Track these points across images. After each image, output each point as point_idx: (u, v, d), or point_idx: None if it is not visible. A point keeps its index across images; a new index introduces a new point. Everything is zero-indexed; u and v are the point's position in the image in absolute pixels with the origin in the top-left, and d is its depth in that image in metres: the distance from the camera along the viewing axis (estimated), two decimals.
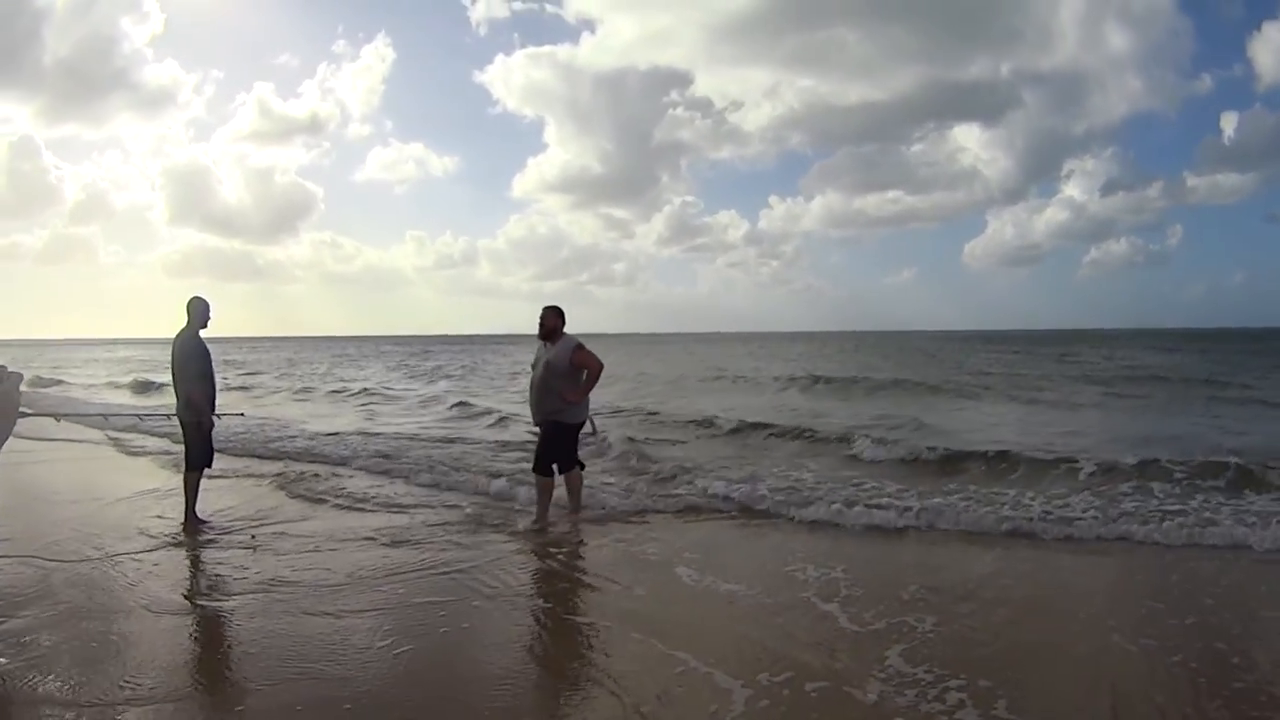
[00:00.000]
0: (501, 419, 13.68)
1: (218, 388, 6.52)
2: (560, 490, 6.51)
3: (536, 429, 6.70)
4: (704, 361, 37.37)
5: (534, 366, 6.62)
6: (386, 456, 9.52)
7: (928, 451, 8.80)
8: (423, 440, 11.09)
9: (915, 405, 15.78)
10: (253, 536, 5.93)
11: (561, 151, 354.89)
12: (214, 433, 6.46)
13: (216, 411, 6.47)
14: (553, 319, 6.49)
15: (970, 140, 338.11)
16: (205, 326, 6.46)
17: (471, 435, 11.86)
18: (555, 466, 6.44)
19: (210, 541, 5.84)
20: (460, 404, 16.87)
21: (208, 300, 6.46)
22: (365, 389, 22.28)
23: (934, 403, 16.59)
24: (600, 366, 6.49)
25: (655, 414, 13.78)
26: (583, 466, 6.68)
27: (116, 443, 11.28)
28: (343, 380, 27.64)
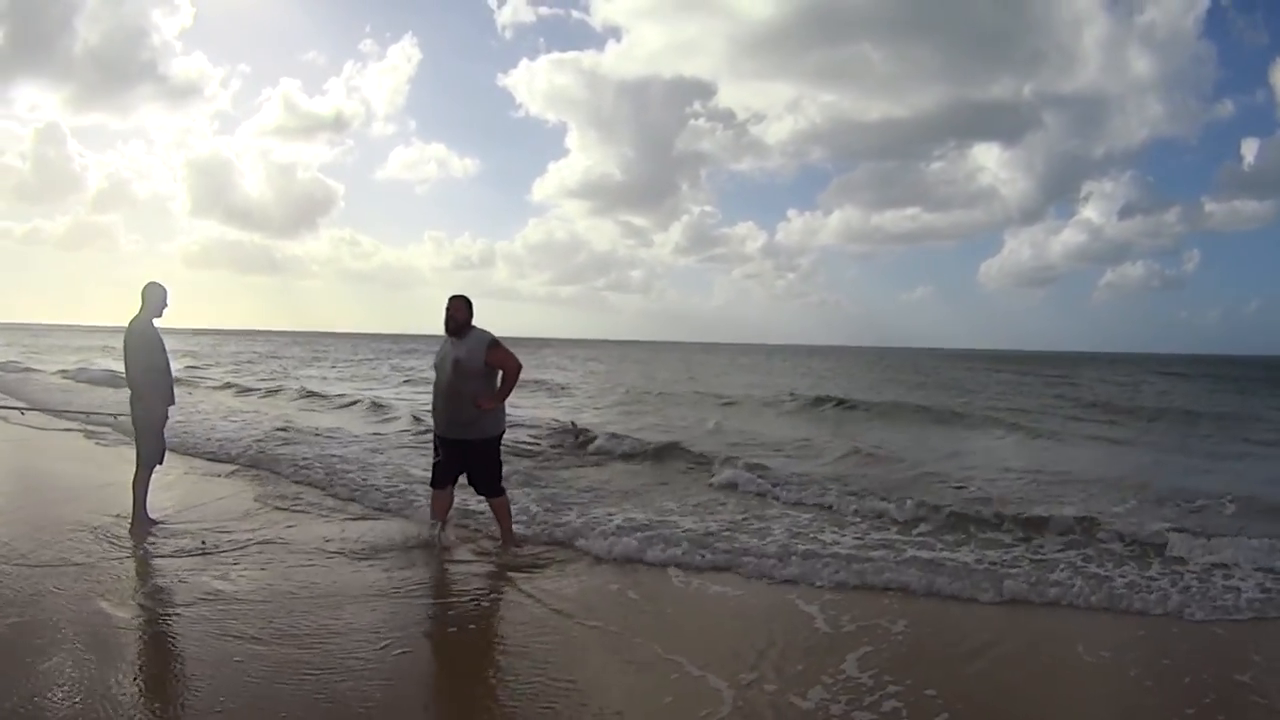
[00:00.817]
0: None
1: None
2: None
3: (450, 442, 5.81)
4: (692, 372, 37.21)
5: (438, 368, 5.83)
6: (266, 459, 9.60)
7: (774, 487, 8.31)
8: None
9: (874, 428, 15.85)
10: (203, 543, 5.74)
11: (583, 157, 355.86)
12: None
13: (170, 406, 6.25)
14: (463, 310, 5.70)
15: (990, 160, 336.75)
16: (161, 314, 6.17)
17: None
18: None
19: (156, 546, 5.67)
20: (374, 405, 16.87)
21: (165, 286, 6.18)
22: (305, 389, 21.81)
23: (897, 426, 16.30)
24: (519, 366, 5.82)
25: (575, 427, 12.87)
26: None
27: (91, 433, 11.38)
28: (298, 378, 28.02)
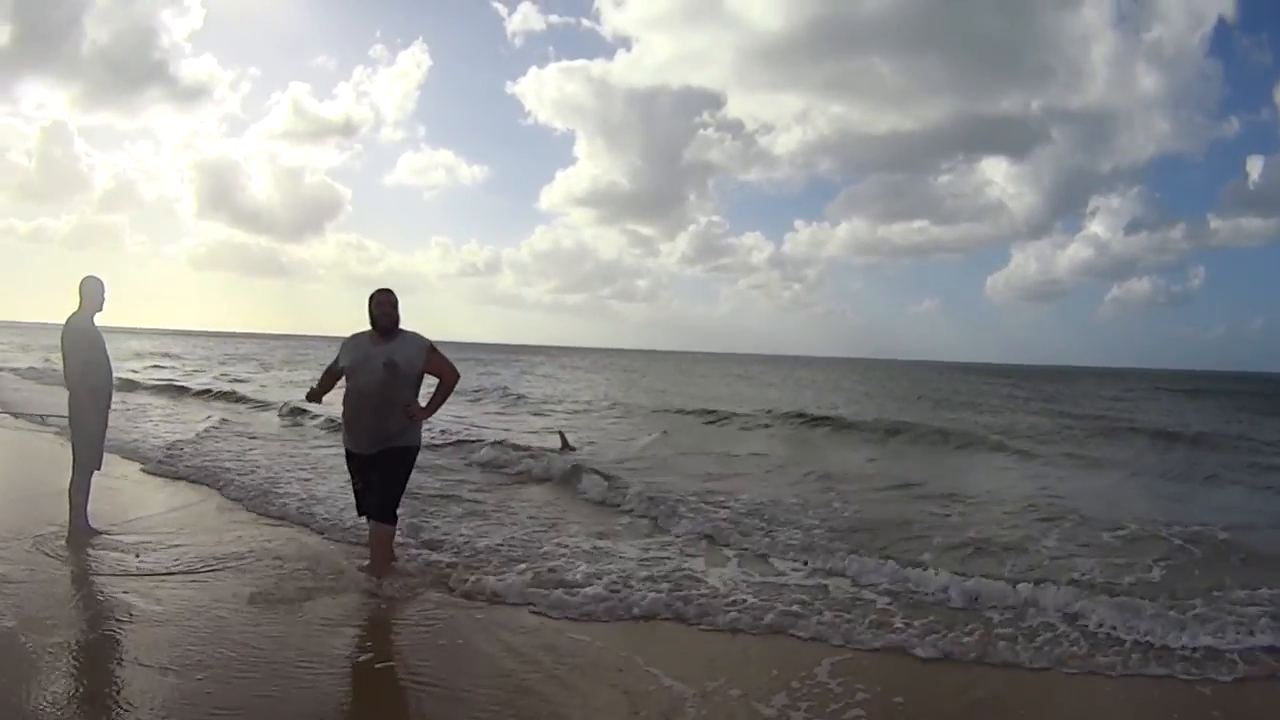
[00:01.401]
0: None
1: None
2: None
3: (369, 459, 5.08)
4: (677, 382, 37.16)
5: (358, 371, 5.01)
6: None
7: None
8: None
9: (833, 446, 15.30)
10: (138, 555, 5.50)
11: (591, 166, 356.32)
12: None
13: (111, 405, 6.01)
14: (397, 307, 5.06)
15: (997, 174, 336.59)
16: (100, 310, 5.79)
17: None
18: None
19: (91, 560, 5.40)
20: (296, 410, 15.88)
21: (102, 280, 5.79)
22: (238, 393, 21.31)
23: (857, 445, 15.34)
24: (457, 376, 5.29)
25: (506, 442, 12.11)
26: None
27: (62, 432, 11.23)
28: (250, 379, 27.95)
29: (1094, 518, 7.74)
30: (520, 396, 25.30)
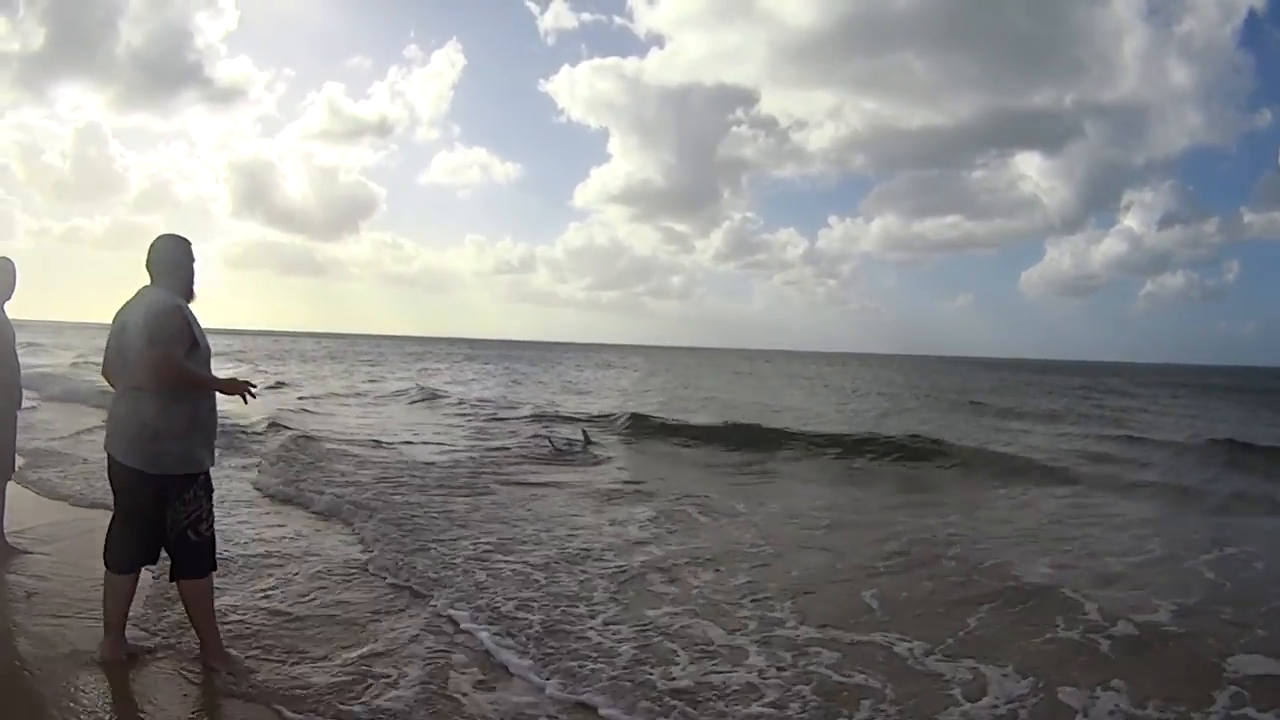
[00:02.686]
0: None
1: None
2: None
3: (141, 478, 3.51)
4: (730, 386, 35.81)
5: (208, 358, 3.65)
6: None
7: None
8: None
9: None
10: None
11: (624, 163, 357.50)
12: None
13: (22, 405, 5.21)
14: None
15: (1031, 168, 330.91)
16: (9, 297, 4.95)
17: None
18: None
19: None
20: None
21: (13, 262, 4.95)
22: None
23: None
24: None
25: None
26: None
27: None
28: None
29: None
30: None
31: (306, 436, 11.61)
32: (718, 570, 5.66)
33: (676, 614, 4.71)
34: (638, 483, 9.41)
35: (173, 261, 3.64)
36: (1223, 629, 4.60)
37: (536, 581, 5.20)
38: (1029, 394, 32.94)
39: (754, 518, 7.59)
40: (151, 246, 3.65)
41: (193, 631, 3.77)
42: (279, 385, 23.53)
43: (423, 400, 21.07)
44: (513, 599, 4.83)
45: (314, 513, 7.10)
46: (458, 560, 5.61)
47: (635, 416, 16.40)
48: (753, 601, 4.98)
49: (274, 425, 12.65)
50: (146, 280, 3.63)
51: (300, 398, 19.97)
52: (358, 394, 22.93)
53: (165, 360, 3.39)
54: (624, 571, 5.52)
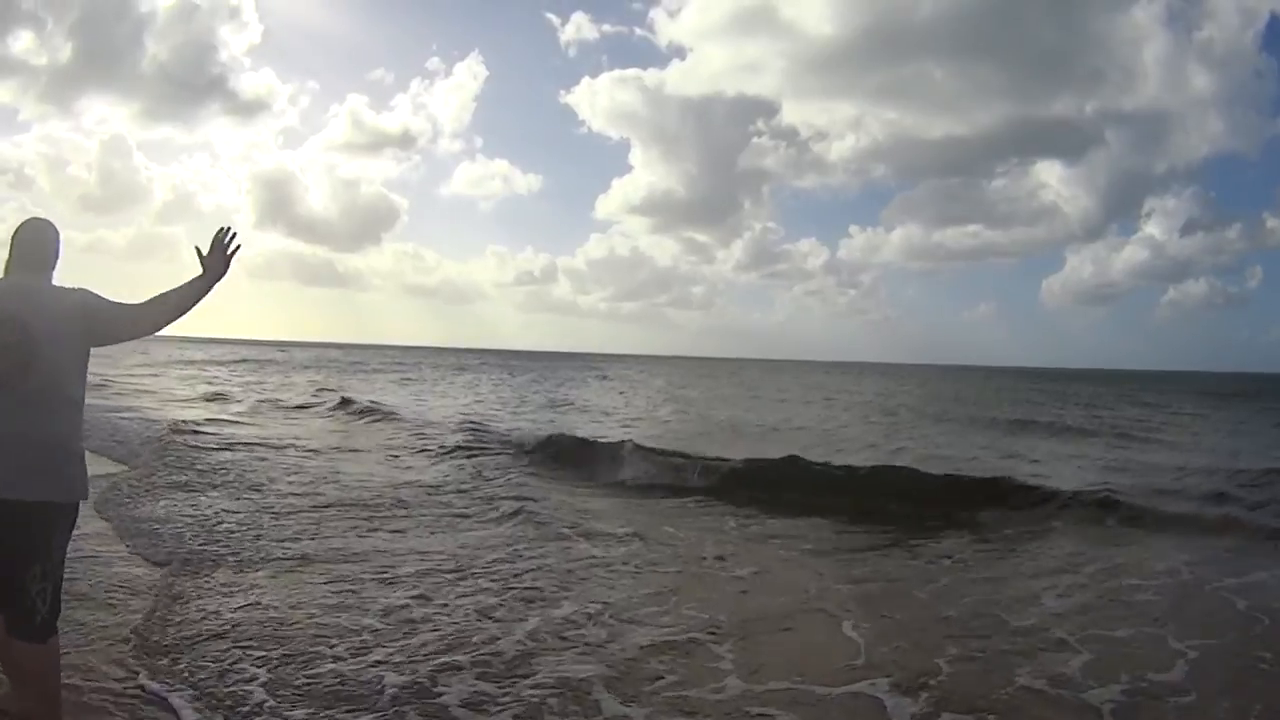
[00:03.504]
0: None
1: None
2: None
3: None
4: (768, 401, 35.59)
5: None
6: None
7: None
8: None
9: None
10: None
11: (646, 174, 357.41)
12: None
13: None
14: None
15: (1052, 177, 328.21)
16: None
17: None
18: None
19: None
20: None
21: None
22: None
23: None
24: None
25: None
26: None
27: None
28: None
29: None
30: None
31: None
32: None
33: None
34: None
35: (56, 254, 3.13)
36: None
37: None
38: (1080, 405, 32.19)
39: None
40: (39, 230, 3.10)
41: None
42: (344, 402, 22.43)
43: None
44: None
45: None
46: None
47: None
48: None
49: None
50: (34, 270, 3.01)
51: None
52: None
53: (161, 315, 3.04)
54: None
